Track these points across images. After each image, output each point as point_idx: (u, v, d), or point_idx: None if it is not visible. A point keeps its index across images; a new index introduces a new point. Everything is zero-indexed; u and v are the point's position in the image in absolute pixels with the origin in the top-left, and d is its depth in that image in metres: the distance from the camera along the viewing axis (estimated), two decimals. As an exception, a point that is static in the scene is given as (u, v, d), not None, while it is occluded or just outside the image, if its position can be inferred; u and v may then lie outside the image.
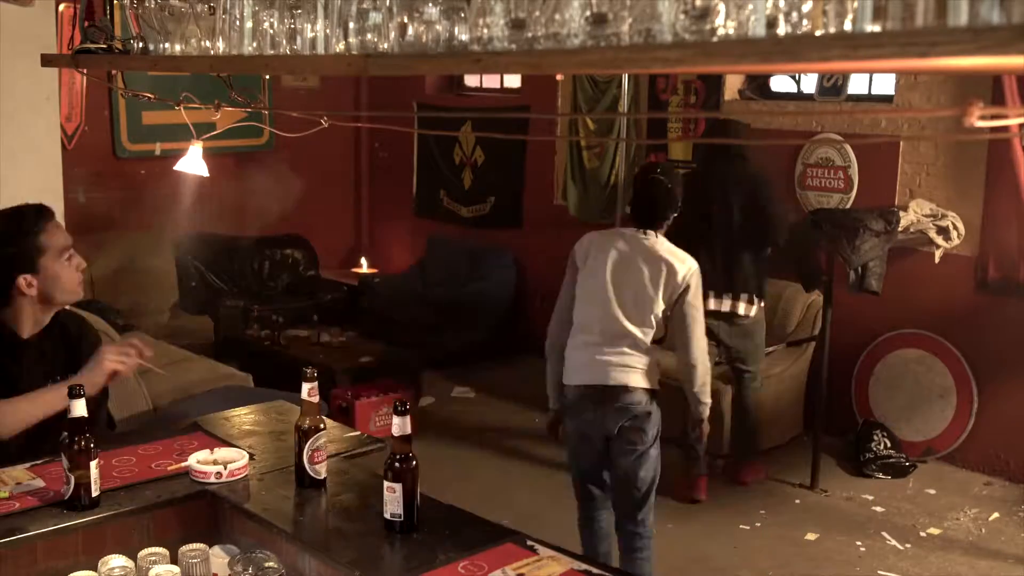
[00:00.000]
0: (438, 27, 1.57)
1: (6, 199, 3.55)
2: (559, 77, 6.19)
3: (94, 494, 2.30)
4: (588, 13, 1.33)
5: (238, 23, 1.99)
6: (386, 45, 1.66)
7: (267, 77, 4.28)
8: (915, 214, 5.30)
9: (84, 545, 2.28)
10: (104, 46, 2.47)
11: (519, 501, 5.03)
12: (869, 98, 5.91)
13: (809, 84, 6.10)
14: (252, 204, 7.89)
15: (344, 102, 8.40)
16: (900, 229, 5.16)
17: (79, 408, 2.26)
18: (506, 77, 7.63)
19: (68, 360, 2.74)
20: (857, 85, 5.88)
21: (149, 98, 3.26)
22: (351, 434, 2.96)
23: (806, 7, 1.13)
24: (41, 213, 2.67)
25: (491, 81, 8.01)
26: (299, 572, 2.23)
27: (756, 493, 5.15)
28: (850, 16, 1.09)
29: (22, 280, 2.62)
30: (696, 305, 3.61)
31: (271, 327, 6.50)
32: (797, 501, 5.06)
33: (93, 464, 2.28)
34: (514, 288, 7.56)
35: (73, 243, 2.73)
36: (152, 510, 2.38)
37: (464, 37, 1.53)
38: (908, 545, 4.60)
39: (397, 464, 2.19)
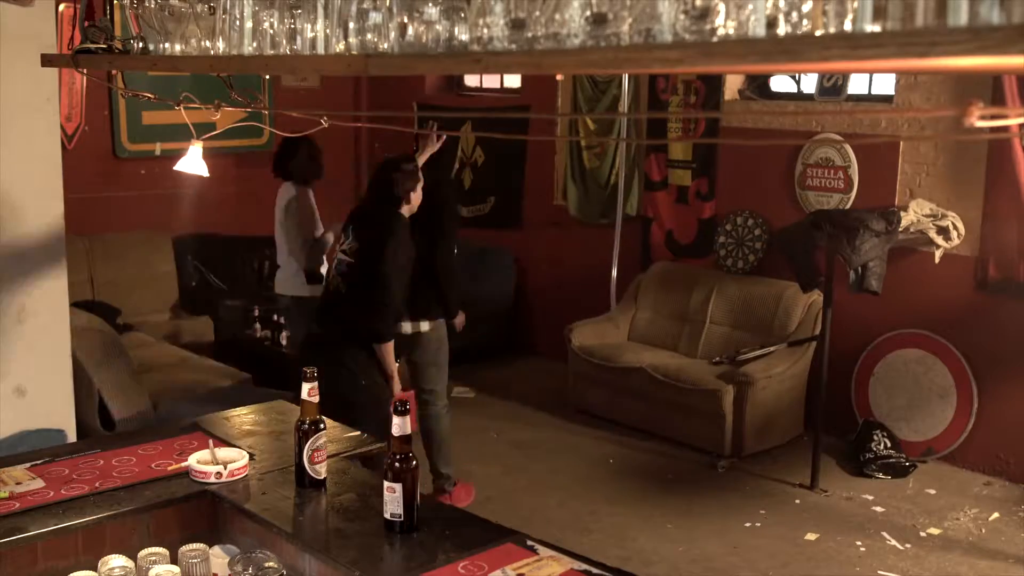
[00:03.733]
0: (438, 27, 1.57)
1: (6, 199, 3.55)
2: (559, 77, 6.19)
3: None
4: (588, 13, 1.33)
5: (238, 23, 1.99)
6: (386, 45, 1.66)
7: (267, 77, 4.27)
8: (915, 214, 5.30)
9: (84, 545, 2.28)
10: (104, 46, 2.47)
11: (519, 501, 5.03)
12: (869, 98, 5.91)
13: (809, 84, 6.11)
14: (252, 204, 7.89)
15: (344, 102, 8.39)
16: (900, 229, 5.16)
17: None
18: (506, 77, 7.62)
19: None
20: (857, 85, 5.88)
21: (149, 98, 3.26)
22: (351, 434, 2.97)
23: (806, 7, 1.13)
24: None
25: (491, 81, 8.01)
26: (299, 572, 2.23)
27: (756, 493, 5.15)
28: (850, 16, 1.09)
29: None
30: None
31: (271, 327, 6.50)
32: (797, 501, 5.06)
33: None
34: (514, 288, 7.56)
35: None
36: (152, 510, 2.38)
37: (464, 37, 1.53)
38: (908, 545, 4.60)
39: (397, 464, 2.19)
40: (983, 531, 4.76)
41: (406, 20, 1.61)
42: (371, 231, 4.29)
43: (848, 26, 1.09)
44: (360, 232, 4.31)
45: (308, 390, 2.41)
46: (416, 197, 4.38)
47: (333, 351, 4.14)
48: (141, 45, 2.35)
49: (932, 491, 5.16)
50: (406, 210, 4.35)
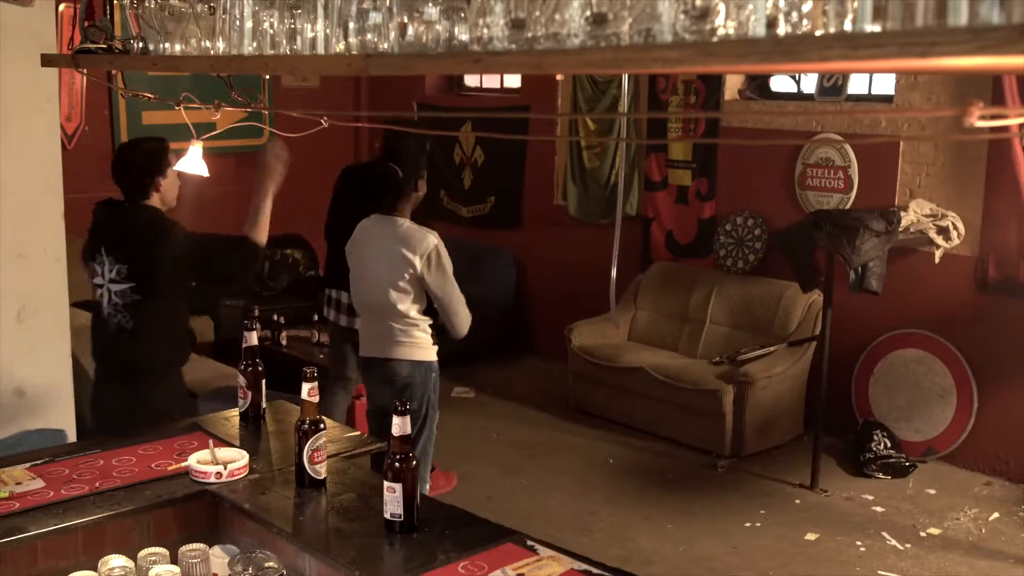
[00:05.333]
0: (438, 27, 1.57)
1: (6, 199, 3.55)
2: (559, 77, 6.20)
3: (262, 405, 2.92)
4: (588, 13, 1.33)
5: (238, 23, 1.99)
6: (386, 45, 1.66)
7: (267, 77, 4.27)
8: (915, 214, 5.30)
9: (84, 545, 2.28)
10: (104, 46, 2.47)
11: (519, 501, 5.03)
12: (869, 98, 5.91)
13: (809, 84, 6.10)
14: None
15: (344, 102, 8.39)
16: (900, 229, 5.16)
17: (253, 339, 2.89)
18: (506, 77, 7.62)
19: None
20: (857, 85, 5.88)
21: (149, 98, 3.26)
22: (351, 434, 2.97)
23: (806, 7, 1.13)
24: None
25: (491, 81, 8.01)
26: (299, 572, 2.23)
27: (756, 493, 5.15)
28: (850, 16, 1.09)
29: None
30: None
31: (271, 327, 6.50)
32: (797, 501, 5.06)
33: (263, 383, 2.91)
34: (514, 288, 7.56)
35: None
36: (152, 510, 2.38)
37: (464, 37, 1.53)
38: (908, 545, 4.60)
39: (397, 464, 2.19)
40: (983, 531, 4.75)
41: (406, 20, 1.61)
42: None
43: (848, 26, 1.09)
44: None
45: (308, 390, 2.41)
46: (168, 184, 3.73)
47: None
48: (141, 45, 2.35)
49: (932, 491, 5.16)
50: (156, 200, 3.70)
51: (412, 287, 3.98)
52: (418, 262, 3.93)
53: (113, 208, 3.66)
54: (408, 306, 4.01)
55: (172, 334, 3.66)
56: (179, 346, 3.72)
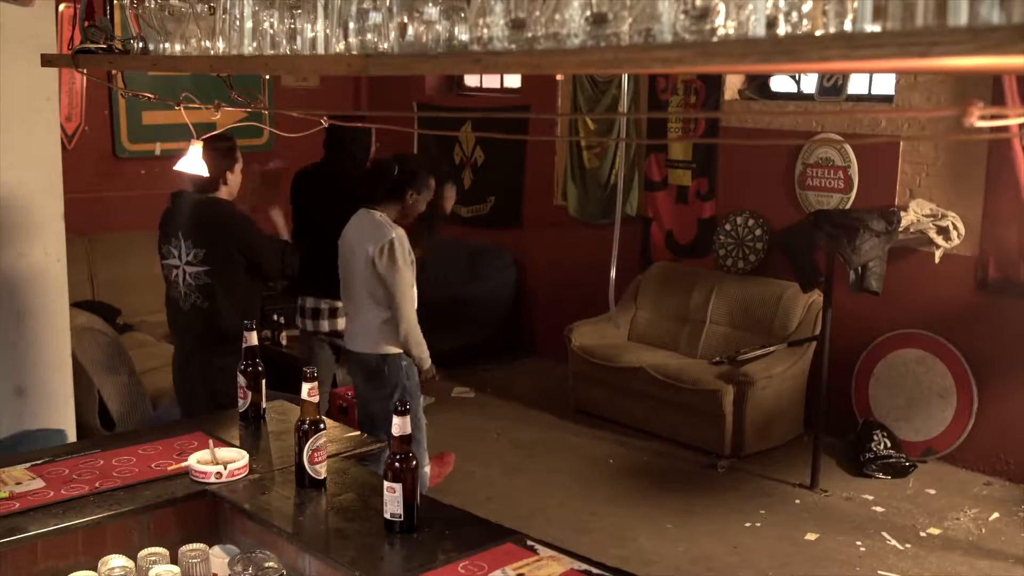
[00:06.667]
0: (438, 27, 1.57)
1: (6, 199, 3.55)
2: (559, 77, 6.19)
3: (263, 406, 2.93)
4: (588, 13, 1.33)
5: (238, 23, 1.99)
6: (386, 45, 1.66)
7: (267, 77, 4.28)
8: (915, 214, 5.30)
9: (84, 545, 2.28)
10: (104, 46, 2.47)
11: (519, 501, 5.03)
12: (869, 98, 5.91)
13: (809, 84, 6.10)
14: (252, 204, 7.88)
15: (344, 102, 8.39)
16: (900, 229, 5.16)
17: (253, 339, 2.92)
18: (506, 77, 7.62)
19: None
20: (857, 85, 5.88)
21: (149, 98, 3.26)
22: (351, 434, 2.97)
23: (806, 7, 1.13)
24: None
25: (491, 81, 8.01)
26: (299, 572, 2.23)
27: (756, 493, 5.15)
28: (850, 16, 1.09)
29: None
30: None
31: (271, 327, 6.50)
32: (797, 501, 5.06)
33: (263, 383, 2.92)
34: (514, 288, 7.56)
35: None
36: (152, 510, 2.38)
37: (464, 37, 1.53)
38: (908, 545, 4.60)
39: (397, 464, 2.19)
40: (983, 531, 4.76)
41: (406, 20, 1.61)
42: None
43: (848, 26, 1.09)
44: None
45: (308, 390, 2.41)
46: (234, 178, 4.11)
47: None
48: (141, 45, 2.35)
49: (932, 491, 5.16)
50: (225, 192, 4.09)
51: (375, 278, 4.11)
52: (371, 249, 4.06)
53: (189, 198, 4.04)
54: (375, 296, 4.13)
55: (242, 310, 3.95)
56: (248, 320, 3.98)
